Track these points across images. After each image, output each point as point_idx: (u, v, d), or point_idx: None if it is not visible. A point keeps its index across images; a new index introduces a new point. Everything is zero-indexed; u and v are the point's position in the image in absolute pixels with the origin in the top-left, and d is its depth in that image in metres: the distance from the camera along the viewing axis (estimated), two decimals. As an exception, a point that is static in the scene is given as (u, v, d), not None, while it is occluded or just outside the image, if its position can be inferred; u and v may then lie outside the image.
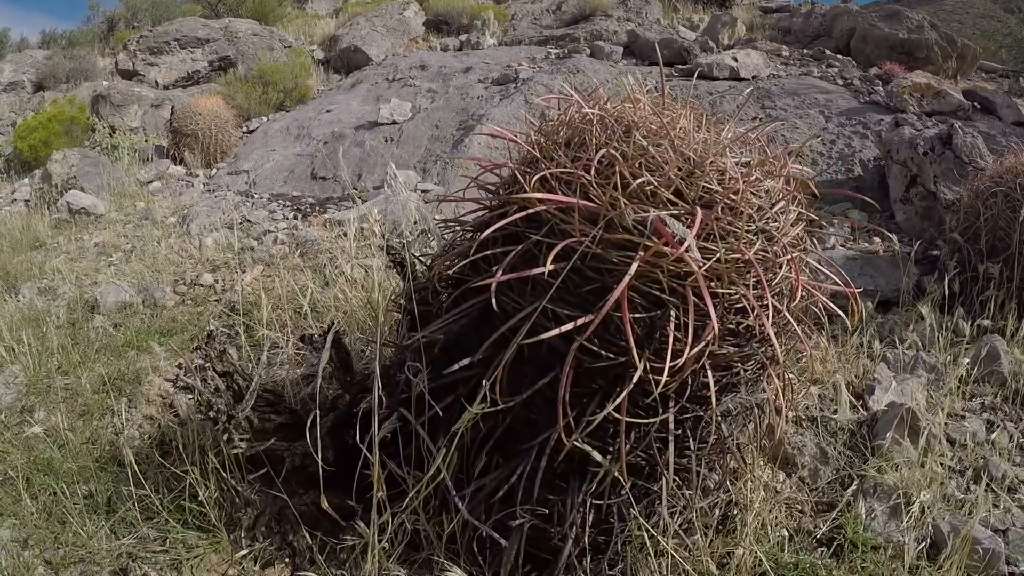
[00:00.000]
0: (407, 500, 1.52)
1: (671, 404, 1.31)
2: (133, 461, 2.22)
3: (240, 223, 5.49)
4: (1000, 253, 3.33)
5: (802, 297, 1.51)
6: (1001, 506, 2.15)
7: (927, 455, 2.20)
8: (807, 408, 2.46)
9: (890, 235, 4.37)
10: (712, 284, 1.29)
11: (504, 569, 1.47)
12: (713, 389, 1.29)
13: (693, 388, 1.31)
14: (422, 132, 6.58)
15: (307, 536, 1.88)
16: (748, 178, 1.44)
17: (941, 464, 2.22)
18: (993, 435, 2.50)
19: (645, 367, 1.20)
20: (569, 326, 1.22)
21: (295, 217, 5.58)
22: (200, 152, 7.74)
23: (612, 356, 1.26)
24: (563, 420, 1.21)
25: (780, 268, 1.46)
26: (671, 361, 1.21)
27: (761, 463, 2.01)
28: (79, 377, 3.28)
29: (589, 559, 1.46)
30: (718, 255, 1.29)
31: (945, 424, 2.47)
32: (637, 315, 1.25)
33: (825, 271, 1.77)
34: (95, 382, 3.24)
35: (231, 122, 7.97)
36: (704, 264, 1.24)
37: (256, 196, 6.31)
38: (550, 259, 1.24)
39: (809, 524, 1.94)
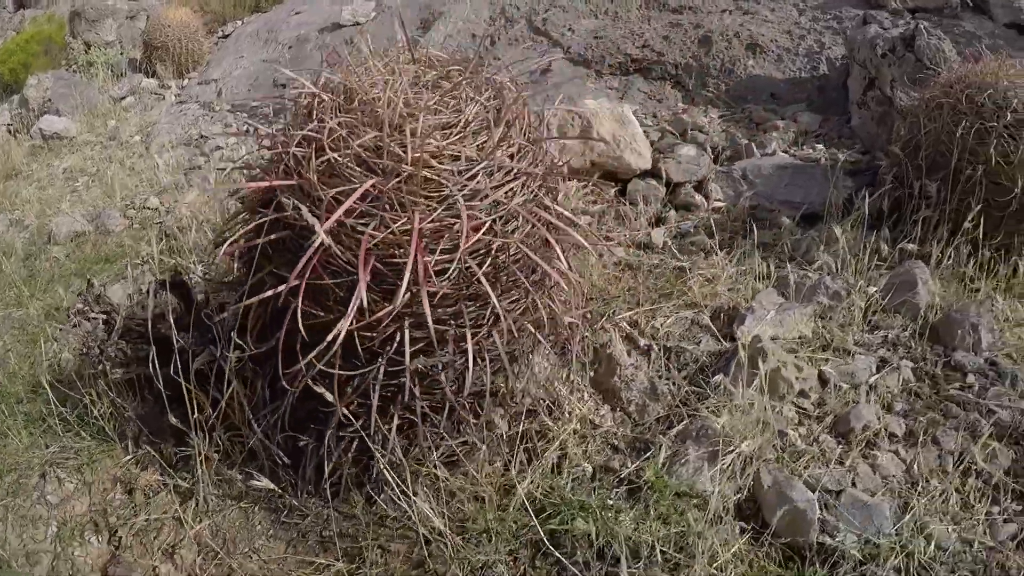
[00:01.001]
0: (213, 419, 1.85)
1: (379, 358, 1.56)
2: (50, 385, 2.60)
3: (196, 139, 5.75)
4: (940, 170, 3.17)
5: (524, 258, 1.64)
6: (848, 462, 2.03)
7: (775, 397, 2.16)
8: (667, 336, 2.53)
9: (839, 141, 4.37)
10: (395, 252, 1.49)
11: (300, 478, 1.80)
12: (407, 347, 1.53)
13: (400, 344, 1.54)
14: (383, 32, 6.57)
15: (172, 445, 2.25)
16: (446, 142, 1.59)
17: (794, 408, 2.19)
18: (874, 377, 2.36)
19: (351, 324, 1.44)
20: (282, 288, 1.46)
21: (248, 130, 5.79)
22: (171, 63, 7.87)
23: (323, 314, 1.50)
24: (284, 368, 1.49)
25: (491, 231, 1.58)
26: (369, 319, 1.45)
27: (585, 396, 2.23)
28: (27, 309, 3.70)
29: (353, 481, 1.78)
30: (391, 228, 1.47)
31: (825, 360, 2.41)
32: (340, 280, 1.47)
33: (568, 229, 1.84)
34: (40, 313, 3.65)
35: (201, 31, 8.02)
36: (376, 237, 1.44)
37: (218, 108, 6.50)
38: (263, 232, 1.46)
39: (616, 463, 2.01)
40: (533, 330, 1.79)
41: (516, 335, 1.72)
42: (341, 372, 1.55)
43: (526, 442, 2.05)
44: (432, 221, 1.49)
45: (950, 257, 2.97)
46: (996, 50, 4.75)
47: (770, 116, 4.44)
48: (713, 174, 3.57)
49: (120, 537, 2.17)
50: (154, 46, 7.84)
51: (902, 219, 3.28)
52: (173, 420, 2.06)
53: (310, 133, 1.59)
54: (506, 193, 1.60)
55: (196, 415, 1.90)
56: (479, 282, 1.53)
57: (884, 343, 2.62)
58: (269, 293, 1.49)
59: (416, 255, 1.41)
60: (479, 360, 1.69)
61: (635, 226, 3.31)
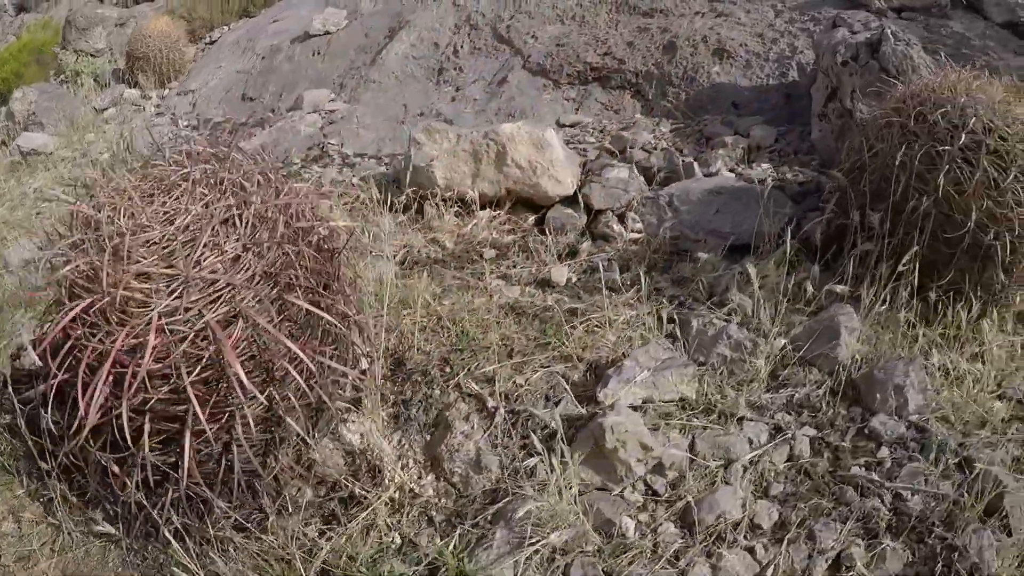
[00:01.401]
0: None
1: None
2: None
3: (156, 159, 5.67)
4: (885, 199, 2.80)
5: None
6: (683, 561, 1.76)
7: (612, 478, 1.94)
8: (523, 397, 2.30)
9: (795, 158, 4.09)
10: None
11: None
12: (146, 439, 1.46)
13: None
14: (352, 42, 6.46)
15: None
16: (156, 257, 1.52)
17: (644, 489, 1.97)
18: (757, 452, 2.07)
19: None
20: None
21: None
22: (153, 74, 7.89)
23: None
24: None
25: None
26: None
27: (411, 463, 2.09)
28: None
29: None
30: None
31: (702, 429, 2.16)
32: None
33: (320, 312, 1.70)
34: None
35: (183, 40, 8.02)
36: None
37: (183, 123, 6.48)
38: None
39: (425, 537, 1.87)
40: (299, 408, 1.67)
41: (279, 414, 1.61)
42: (113, 456, 1.55)
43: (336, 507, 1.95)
44: (136, 337, 1.41)
45: (886, 300, 2.61)
46: (985, 52, 4.43)
47: (724, 130, 4.19)
48: (639, 199, 3.35)
49: (5, 564, 2.20)
50: (135, 56, 7.88)
51: (842, 253, 2.90)
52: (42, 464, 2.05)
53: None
54: (208, 305, 1.50)
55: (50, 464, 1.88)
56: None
57: (787, 406, 2.33)
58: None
59: (108, 370, 1.34)
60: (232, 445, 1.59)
61: (540, 260, 3.13)
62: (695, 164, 3.68)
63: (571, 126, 4.62)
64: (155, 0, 9.76)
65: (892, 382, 2.32)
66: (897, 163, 2.71)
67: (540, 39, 5.57)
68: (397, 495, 1.99)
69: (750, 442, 2.13)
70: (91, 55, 9.00)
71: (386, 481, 1.98)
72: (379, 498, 1.94)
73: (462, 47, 5.79)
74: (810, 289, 2.64)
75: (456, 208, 3.49)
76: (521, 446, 2.11)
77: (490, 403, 2.28)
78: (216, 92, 6.97)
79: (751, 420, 2.21)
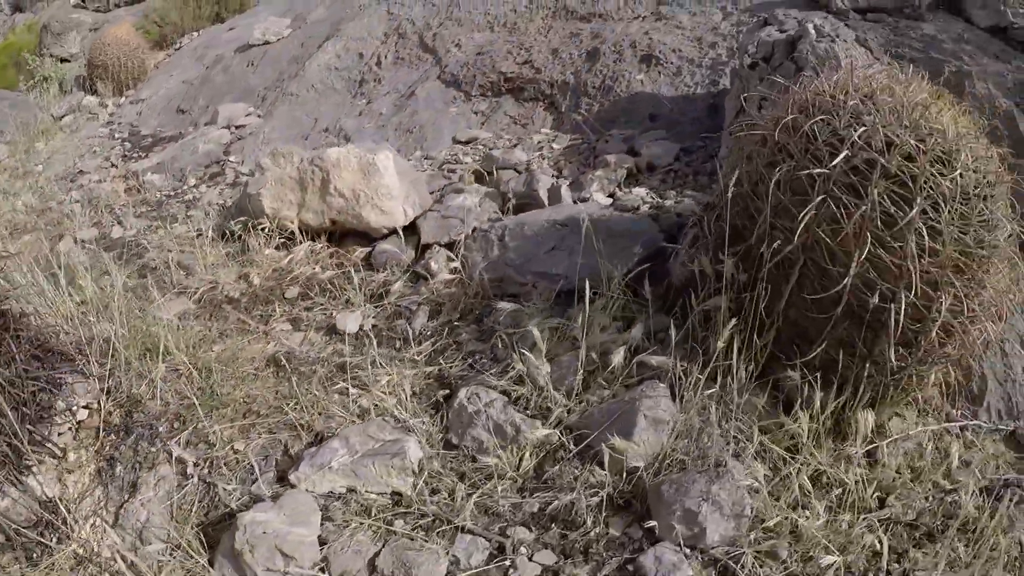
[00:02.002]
0: None
1: None
2: None
3: (75, 173, 5.58)
4: (744, 239, 2.18)
5: None
6: None
7: None
8: (225, 466, 2.01)
9: (694, 180, 3.66)
10: None
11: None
12: None
13: None
14: (286, 53, 6.22)
15: None
16: None
17: None
18: None
19: None
20: None
21: (124, 161, 5.57)
22: (111, 81, 7.85)
23: None
24: None
25: None
26: None
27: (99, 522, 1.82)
28: None
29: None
30: None
31: (402, 536, 1.77)
32: None
33: None
34: None
35: (142, 48, 7.95)
36: None
37: (117, 135, 6.34)
38: None
39: None
40: None
41: None
42: None
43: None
44: None
45: (721, 378, 2.01)
46: (957, 56, 3.97)
47: (619, 146, 3.78)
48: (471, 233, 2.98)
49: None
50: (95, 64, 7.84)
51: (683, 310, 2.32)
52: None
53: None
54: None
55: None
56: None
57: (533, 518, 1.85)
58: None
59: None
60: None
61: (345, 302, 2.79)
62: (563, 188, 3.28)
63: (466, 142, 4.27)
64: (133, 5, 9.77)
65: (683, 503, 1.78)
66: (757, 191, 2.12)
67: (464, 48, 5.23)
68: (82, 551, 1.74)
69: (454, 562, 1.74)
70: (66, 60, 9.08)
71: (72, 535, 1.73)
72: (62, 552, 1.69)
73: (386, 57, 5.49)
74: (616, 359, 2.09)
75: (283, 240, 3.18)
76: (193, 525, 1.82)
77: (189, 469, 2.00)
78: (160, 103, 6.83)
79: (471, 533, 1.81)
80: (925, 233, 1.81)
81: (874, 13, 4.58)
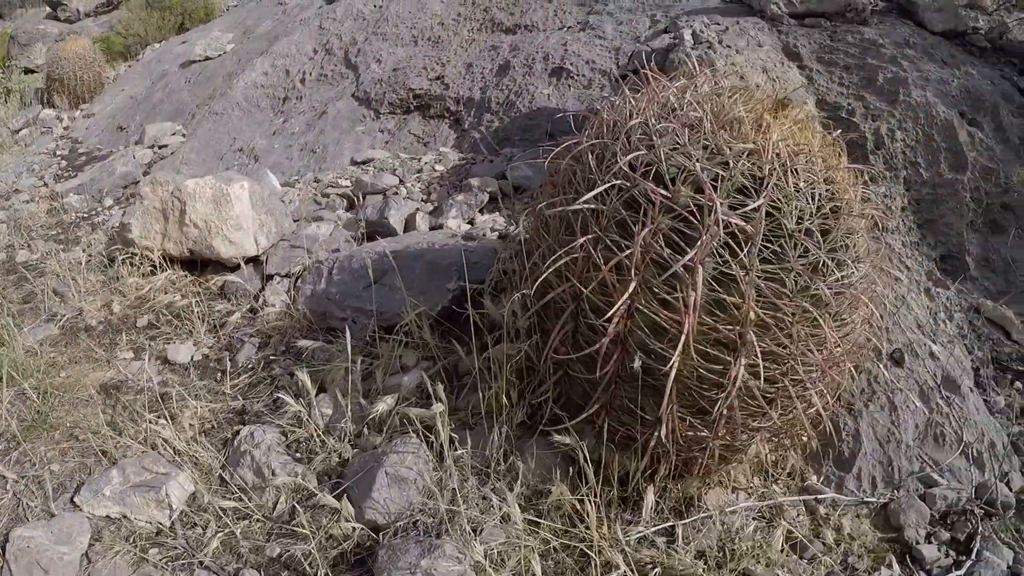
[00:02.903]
0: None
1: None
2: None
3: (12, 192, 5.89)
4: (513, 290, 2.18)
5: None
6: None
7: None
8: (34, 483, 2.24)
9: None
10: None
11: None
12: None
13: None
14: (223, 69, 6.47)
15: None
16: None
17: None
18: None
19: None
20: None
21: (56, 180, 5.87)
22: (67, 95, 8.20)
23: None
24: None
25: None
26: None
27: None
28: None
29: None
30: None
31: (154, 566, 1.92)
32: None
33: None
34: None
35: (98, 61, 8.28)
36: None
37: (59, 152, 6.65)
38: None
39: None
40: None
41: None
42: None
43: None
44: None
45: (487, 433, 2.04)
46: (896, 62, 4.00)
47: (490, 168, 3.95)
48: (309, 264, 3.18)
49: None
50: (52, 77, 8.18)
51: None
52: None
53: None
54: None
55: None
56: None
57: (271, 564, 1.92)
58: None
59: None
60: None
61: (190, 332, 3.02)
62: (419, 215, 3.46)
63: (362, 163, 4.47)
64: (98, 16, 10.13)
65: (391, 572, 1.76)
66: (545, 228, 1.98)
67: (384, 63, 5.43)
68: None
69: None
70: (31, 71, 9.46)
71: None
72: None
73: (310, 74, 5.71)
74: (381, 407, 2.11)
75: (151, 268, 3.42)
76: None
77: (9, 485, 2.26)
78: (105, 119, 7.13)
79: (207, 569, 1.97)
80: (712, 282, 1.58)
81: (813, 18, 4.63)
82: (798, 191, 1.64)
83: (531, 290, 1.93)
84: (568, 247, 1.74)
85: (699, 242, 1.55)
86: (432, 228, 3.42)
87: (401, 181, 3.86)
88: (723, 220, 1.55)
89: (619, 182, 1.69)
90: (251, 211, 3.27)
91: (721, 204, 1.57)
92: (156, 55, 8.15)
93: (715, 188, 1.61)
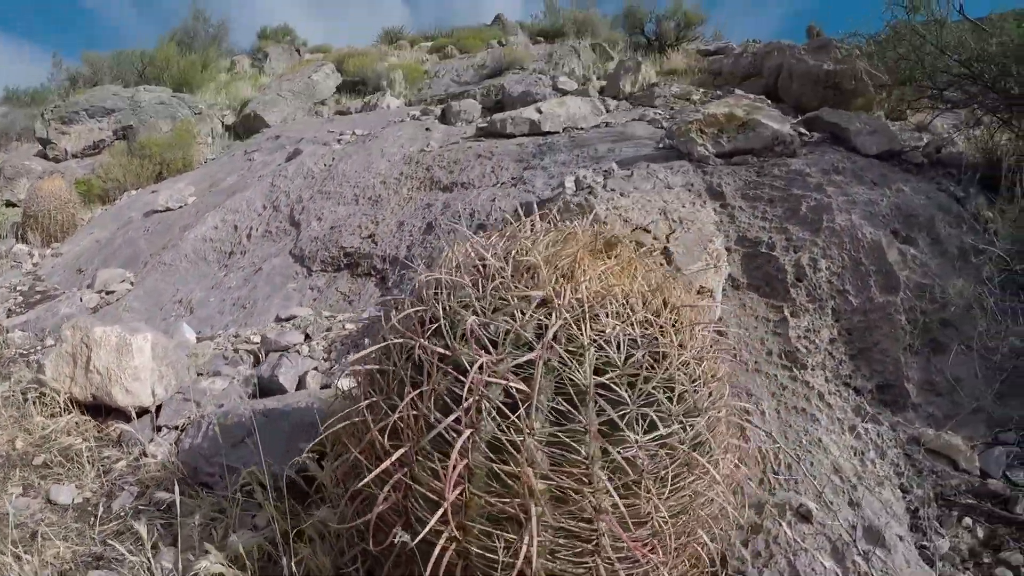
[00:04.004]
0: None
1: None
2: None
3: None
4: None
5: None
6: None
7: None
8: None
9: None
10: None
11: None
12: None
13: None
14: (180, 220, 7.17)
15: None
16: None
17: None
18: None
19: None
20: None
21: (8, 315, 6.41)
22: (41, 232, 8.93)
23: None
24: None
25: None
26: None
27: None
28: None
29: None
30: None
31: None
32: None
33: None
34: None
35: (73, 202, 9.08)
36: None
37: (19, 287, 7.24)
38: None
39: None
40: None
41: None
42: None
43: None
44: None
45: None
46: (821, 189, 4.14)
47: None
48: (193, 419, 3.61)
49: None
50: (28, 214, 8.94)
51: None
52: None
53: None
54: None
55: None
56: None
57: None
58: None
59: None
60: None
61: (79, 476, 3.40)
62: (309, 374, 3.90)
63: (286, 320, 4.99)
64: (84, 158, 11.10)
65: None
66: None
67: (324, 221, 6.09)
68: None
69: None
70: (13, 205, 10.28)
71: None
72: None
73: (256, 230, 6.38)
74: (203, 564, 2.31)
75: (60, 409, 3.84)
76: None
77: None
78: (69, 260, 7.77)
79: None
80: (487, 448, 1.53)
81: (741, 155, 4.93)
82: (596, 340, 1.56)
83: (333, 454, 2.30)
84: (348, 410, 1.86)
85: (463, 404, 1.52)
86: (323, 387, 3.86)
87: (308, 338, 4.35)
88: (488, 379, 1.48)
89: (399, 340, 1.70)
90: (151, 362, 3.74)
91: (500, 359, 1.52)
92: (129, 201, 8.94)
93: (496, 343, 1.57)
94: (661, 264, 2.02)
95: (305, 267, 5.59)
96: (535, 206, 4.48)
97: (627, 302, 1.66)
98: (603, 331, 1.58)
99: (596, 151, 5.87)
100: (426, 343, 1.64)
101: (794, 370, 3.22)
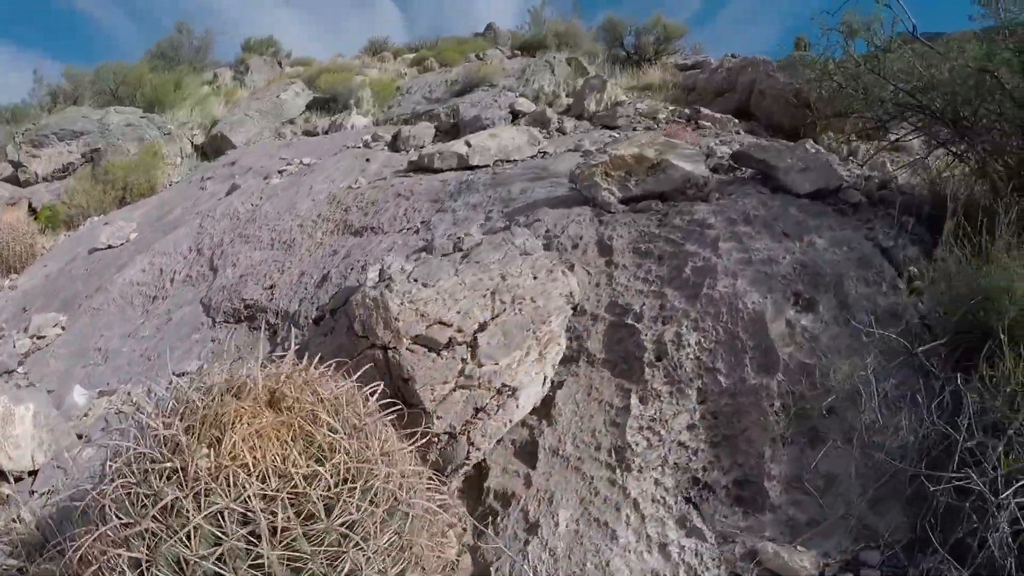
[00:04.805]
0: None
1: None
2: None
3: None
4: None
5: None
6: None
7: None
8: None
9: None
10: None
11: None
12: None
13: None
14: (115, 260, 7.75)
15: None
16: None
17: None
18: None
19: None
20: None
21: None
22: (0, 263, 9.62)
23: None
24: None
25: None
26: None
27: None
28: None
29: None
30: None
31: None
32: None
33: None
34: None
35: (31, 233, 9.73)
36: None
37: (-35, 329, 7.93)
38: None
39: None
40: None
41: None
42: None
43: None
44: None
45: None
46: (714, 246, 3.91)
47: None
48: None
49: None
50: (-15, 246, 9.63)
51: None
52: None
53: None
54: None
55: None
56: None
57: None
58: None
59: None
60: None
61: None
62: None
63: (181, 375, 5.56)
64: (53, 181, 11.78)
65: None
66: None
67: (239, 267, 6.60)
68: None
69: None
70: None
71: None
72: None
73: (180, 274, 6.94)
74: None
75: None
76: None
77: None
78: (20, 295, 8.43)
79: None
80: None
81: (649, 200, 4.76)
82: (216, 516, 1.88)
83: None
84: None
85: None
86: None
87: (184, 401, 4.90)
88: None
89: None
90: (32, 430, 4.33)
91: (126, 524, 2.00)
92: (80, 233, 9.57)
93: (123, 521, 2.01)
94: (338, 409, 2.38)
95: (210, 317, 6.12)
96: (334, 299, 4.61)
97: (267, 464, 2.02)
98: (229, 500, 1.91)
99: (510, 192, 6.01)
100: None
101: (617, 471, 2.98)
